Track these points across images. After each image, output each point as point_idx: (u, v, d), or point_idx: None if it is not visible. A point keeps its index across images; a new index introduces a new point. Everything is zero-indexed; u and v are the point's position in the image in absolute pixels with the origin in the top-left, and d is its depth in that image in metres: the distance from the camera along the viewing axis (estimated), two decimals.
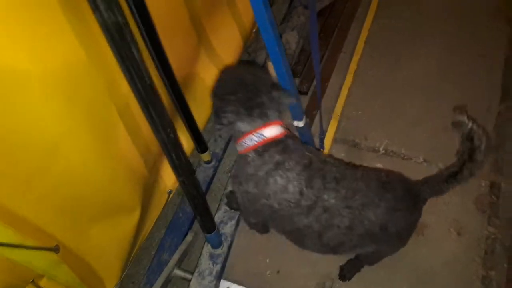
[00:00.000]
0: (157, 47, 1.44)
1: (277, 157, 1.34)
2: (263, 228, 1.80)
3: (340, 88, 2.49)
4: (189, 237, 1.97)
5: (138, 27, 1.33)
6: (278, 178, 1.32)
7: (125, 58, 0.92)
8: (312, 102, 2.45)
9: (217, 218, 1.90)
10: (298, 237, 1.49)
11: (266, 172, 1.34)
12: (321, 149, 2.23)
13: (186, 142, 2.02)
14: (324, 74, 2.55)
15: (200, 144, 2.04)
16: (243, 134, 1.37)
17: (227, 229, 1.85)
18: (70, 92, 1.17)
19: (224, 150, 2.26)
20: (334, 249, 1.46)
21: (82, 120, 1.27)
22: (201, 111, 2.05)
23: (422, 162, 2.21)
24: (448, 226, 2.01)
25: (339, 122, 2.38)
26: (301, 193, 1.32)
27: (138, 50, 0.94)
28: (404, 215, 1.41)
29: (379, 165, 2.22)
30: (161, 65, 1.50)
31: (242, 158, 1.41)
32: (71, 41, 1.13)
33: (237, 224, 1.90)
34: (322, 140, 2.19)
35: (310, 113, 2.42)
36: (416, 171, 2.16)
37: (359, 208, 1.32)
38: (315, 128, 2.33)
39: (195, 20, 1.89)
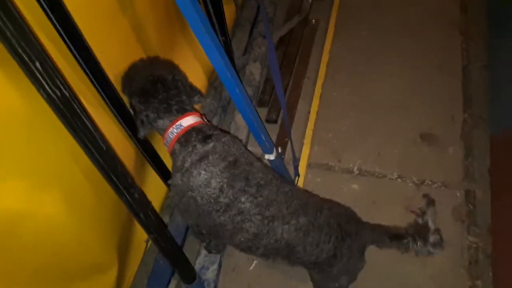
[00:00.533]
0: (119, 106, 1.41)
1: (200, 148, 1.35)
2: (201, 234, 1.78)
3: (308, 113, 2.50)
4: (172, 285, 1.91)
5: (95, 87, 1.30)
6: (202, 172, 1.33)
7: (77, 130, 0.89)
8: (282, 130, 2.45)
9: (197, 264, 1.85)
10: (216, 234, 1.47)
11: (191, 164, 1.34)
12: (297, 177, 2.23)
13: (158, 186, 1.99)
14: (290, 101, 2.56)
15: None
16: (165, 130, 1.40)
17: (209, 274, 1.81)
18: (31, 158, 1.13)
19: None
20: (247, 251, 1.46)
21: (46, 186, 1.22)
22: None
23: (396, 178, 2.23)
24: None
25: (311, 147, 2.39)
26: (221, 190, 1.32)
27: (89, 118, 0.92)
28: (322, 244, 1.37)
29: (355, 186, 2.23)
30: (122, 114, 1.47)
31: (171, 154, 1.42)
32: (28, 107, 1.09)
33: (219, 268, 1.85)
34: (296, 168, 2.19)
35: (281, 141, 2.42)
36: (392, 188, 2.20)
37: (268, 219, 1.32)
38: (288, 156, 2.34)
39: None
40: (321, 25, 2.86)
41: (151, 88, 1.37)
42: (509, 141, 2.11)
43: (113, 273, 1.65)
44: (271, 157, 1.87)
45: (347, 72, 2.66)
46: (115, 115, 1.44)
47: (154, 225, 1.22)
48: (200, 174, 1.32)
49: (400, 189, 2.19)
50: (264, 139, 1.78)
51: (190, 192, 1.35)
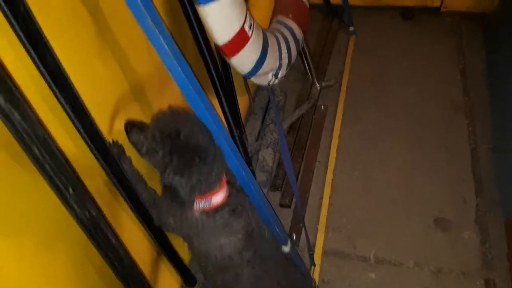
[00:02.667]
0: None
1: (227, 218, 1.41)
2: None
3: (321, 198, 2.53)
4: None
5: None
6: (221, 238, 1.42)
7: (102, 246, 0.94)
8: (296, 214, 2.47)
9: None
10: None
11: (212, 227, 1.41)
12: (312, 266, 2.20)
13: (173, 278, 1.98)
14: (303, 185, 2.61)
15: (188, 277, 1.99)
16: (196, 197, 1.37)
17: None
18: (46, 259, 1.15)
19: None
20: None
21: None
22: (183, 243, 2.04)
23: (413, 266, 2.19)
24: None
25: (326, 233, 2.38)
26: (230, 256, 1.43)
27: (114, 233, 0.97)
28: None
29: (372, 275, 2.19)
30: (137, 207, 1.51)
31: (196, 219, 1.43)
32: None
33: None
34: (311, 256, 2.17)
35: (295, 226, 2.43)
36: (409, 277, 2.16)
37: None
38: (302, 242, 2.33)
39: None
40: (329, 110, 2.98)
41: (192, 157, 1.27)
42: None
43: None
44: (286, 249, 1.87)
45: (356, 156, 2.73)
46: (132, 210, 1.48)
47: None
48: (218, 239, 1.43)
49: (418, 279, 2.14)
50: (278, 231, 1.80)
51: (203, 246, 1.46)
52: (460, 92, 3.01)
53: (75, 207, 0.85)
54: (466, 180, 2.51)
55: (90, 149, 1.13)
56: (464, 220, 2.34)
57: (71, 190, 0.83)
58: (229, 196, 1.46)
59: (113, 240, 0.96)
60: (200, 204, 1.38)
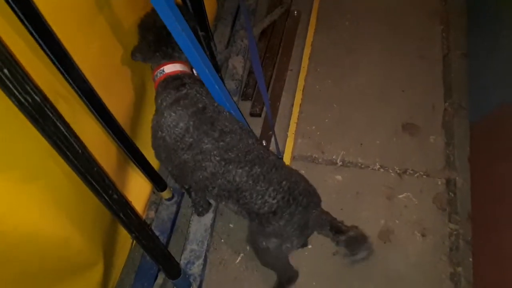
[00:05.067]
0: (97, 103, 1.41)
1: (173, 94, 1.52)
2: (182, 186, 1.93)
3: (292, 106, 2.52)
4: (159, 280, 1.92)
5: (74, 89, 1.30)
6: (172, 114, 1.50)
7: (51, 135, 0.89)
8: (266, 123, 2.46)
9: (183, 259, 1.87)
10: (179, 172, 1.64)
11: (164, 106, 1.52)
12: None
13: (143, 182, 2.00)
14: (274, 94, 2.57)
15: (158, 183, 2.01)
16: (153, 71, 1.63)
17: (194, 269, 1.83)
18: (11, 158, 1.12)
19: None
20: (204, 191, 1.61)
21: (27, 186, 1.22)
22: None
23: (379, 168, 2.26)
24: (412, 229, 2.06)
25: (295, 140, 2.40)
26: (187, 130, 1.48)
27: (63, 122, 0.92)
28: (267, 197, 1.45)
29: (339, 177, 2.25)
30: (102, 114, 1.47)
31: (155, 96, 1.61)
32: None
33: (204, 263, 1.87)
34: None
35: (265, 134, 2.43)
36: (375, 178, 2.24)
37: (226, 161, 1.45)
38: (272, 149, 2.35)
39: None
40: (303, 16, 2.86)
41: (146, 32, 1.59)
42: (487, 128, 2.15)
43: (99, 269, 1.66)
44: None
45: (329, 64, 2.67)
46: (95, 116, 1.43)
47: (135, 224, 1.23)
48: (170, 115, 1.49)
49: (383, 179, 2.22)
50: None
51: (160, 132, 1.53)
52: None
53: (14, 90, 0.79)
54: (436, 87, 2.52)
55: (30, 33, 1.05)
56: (431, 125, 2.39)
57: (6, 71, 0.76)
58: (183, 76, 1.57)
59: (64, 130, 0.91)
60: (157, 75, 1.59)
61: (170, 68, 1.58)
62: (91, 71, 1.40)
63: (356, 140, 2.37)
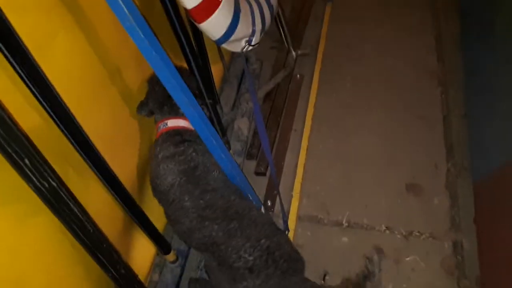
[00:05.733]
0: (104, 168, 1.45)
1: (171, 148, 1.59)
2: None
3: (296, 165, 2.55)
4: None
5: (82, 156, 1.34)
6: (165, 167, 1.58)
7: (64, 216, 0.92)
8: (271, 182, 2.49)
9: None
10: (167, 216, 1.68)
11: (161, 158, 1.60)
12: (287, 232, 2.24)
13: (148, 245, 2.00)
14: (278, 153, 2.62)
15: (163, 246, 2.01)
16: (156, 123, 1.71)
17: None
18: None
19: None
20: (184, 241, 1.72)
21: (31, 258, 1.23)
22: (158, 213, 2.04)
23: (384, 230, 2.25)
24: None
25: (300, 200, 2.42)
26: (172, 186, 1.55)
27: (76, 202, 0.95)
28: (243, 253, 1.46)
29: (345, 239, 2.24)
30: (108, 179, 1.50)
31: (154, 143, 1.69)
32: None
33: None
34: (285, 223, 2.21)
35: (270, 193, 2.45)
36: (381, 240, 2.22)
37: (203, 217, 1.51)
38: (277, 209, 2.36)
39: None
40: (305, 79, 2.97)
41: (155, 86, 1.70)
42: (490, 188, 2.16)
43: None
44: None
45: (332, 124, 2.74)
46: (102, 181, 1.46)
47: None
48: (163, 168, 1.58)
49: (389, 241, 2.21)
50: (251, 197, 1.82)
51: (155, 179, 1.63)
52: (434, 59, 3.03)
53: (33, 177, 0.83)
54: (438, 147, 2.56)
55: (51, 116, 1.10)
56: (435, 185, 2.40)
57: (27, 161, 0.81)
58: (184, 132, 1.66)
59: (77, 211, 0.95)
60: (160, 127, 1.68)
61: (173, 122, 1.67)
62: (100, 137, 1.45)
63: (361, 200, 2.38)
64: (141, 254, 2.05)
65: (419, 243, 2.19)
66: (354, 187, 2.44)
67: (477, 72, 2.70)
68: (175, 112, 1.69)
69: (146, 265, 2.12)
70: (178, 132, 1.66)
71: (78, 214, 0.94)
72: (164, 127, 1.67)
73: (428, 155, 2.52)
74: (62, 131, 1.20)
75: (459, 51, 2.99)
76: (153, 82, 1.74)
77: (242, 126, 2.58)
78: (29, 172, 0.82)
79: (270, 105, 2.81)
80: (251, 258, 1.45)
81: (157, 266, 2.19)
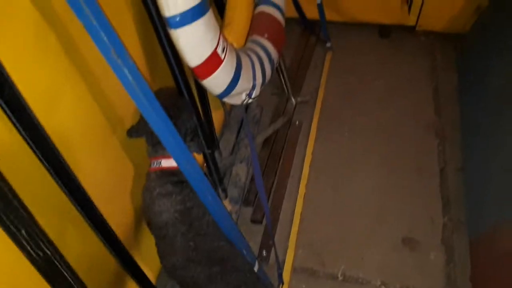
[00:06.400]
0: (98, 218, 1.45)
1: (169, 187, 1.60)
2: None
3: (293, 213, 2.55)
4: None
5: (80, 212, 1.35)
6: (162, 204, 1.59)
7: (57, 284, 0.92)
8: (267, 231, 2.48)
9: None
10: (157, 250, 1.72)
11: (157, 194, 1.60)
12: (281, 284, 2.22)
13: None
14: (275, 200, 2.63)
15: None
16: (150, 158, 1.68)
17: None
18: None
19: None
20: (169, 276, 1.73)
21: None
22: (152, 261, 2.03)
23: (380, 285, 2.23)
24: None
25: (296, 250, 2.40)
26: (166, 224, 1.58)
27: (73, 273, 0.95)
28: None
29: None
30: (101, 229, 1.50)
31: (149, 173, 1.68)
32: None
33: None
34: (280, 276, 2.19)
35: (266, 243, 2.44)
36: None
37: (189, 259, 1.58)
38: (272, 259, 2.34)
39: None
40: (304, 126, 3.01)
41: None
42: (486, 246, 2.16)
43: None
44: (254, 269, 1.88)
45: (329, 172, 2.76)
46: (95, 231, 1.46)
47: None
48: (159, 205, 1.59)
49: None
50: (245, 252, 1.81)
51: (148, 212, 1.65)
52: (432, 111, 3.07)
53: (28, 248, 0.84)
54: (434, 200, 2.57)
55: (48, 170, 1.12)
56: (431, 240, 2.39)
57: (24, 232, 0.82)
58: (179, 172, 1.60)
59: (69, 278, 0.95)
60: (153, 164, 1.66)
61: (168, 163, 1.63)
62: (96, 186, 1.47)
63: (357, 253, 2.36)
64: None
65: None
66: (350, 238, 2.43)
67: (474, 126, 2.74)
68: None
69: None
70: (173, 173, 1.64)
71: (71, 281, 0.95)
72: (158, 165, 1.65)
73: (424, 208, 2.53)
74: (60, 186, 1.22)
75: (456, 104, 3.05)
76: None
77: (240, 172, 2.60)
78: (25, 243, 0.83)
79: (268, 151, 2.84)
80: None
81: None
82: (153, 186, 1.63)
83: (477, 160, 2.55)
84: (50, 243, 0.89)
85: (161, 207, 1.59)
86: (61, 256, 0.92)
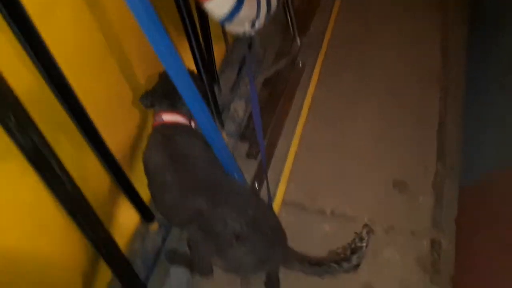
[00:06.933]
0: (94, 134, 1.50)
1: (160, 138, 1.73)
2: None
3: (288, 151, 2.59)
4: None
5: (74, 121, 1.39)
6: (153, 150, 1.72)
7: (47, 175, 0.97)
8: (261, 166, 2.54)
9: None
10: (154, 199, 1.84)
11: (152, 143, 1.75)
12: None
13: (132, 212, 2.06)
14: (272, 138, 2.66)
15: (146, 215, 2.07)
16: (155, 114, 1.82)
17: None
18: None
19: None
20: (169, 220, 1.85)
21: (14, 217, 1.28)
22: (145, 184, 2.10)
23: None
24: (392, 286, 2.08)
25: (288, 185, 2.47)
26: (156, 166, 1.69)
27: (59, 164, 1.00)
28: (230, 220, 1.54)
29: (326, 227, 2.30)
30: (97, 144, 1.56)
31: (152, 130, 1.82)
32: None
33: None
34: (270, 206, 2.26)
35: (259, 176, 2.50)
36: None
37: (184, 190, 1.62)
38: (264, 192, 2.41)
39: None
40: (307, 68, 2.98)
41: (164, 81, 1.80)
42: (475, 193, 2.20)
43: None
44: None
45: (328, 116, 2.77)
46: (90, 145, 1.52)
47: (119, 264, 1.29)
48: (150, 151, 1.73)
49: None
50: (236, 176, 1.86)
51: (145, 162, 1.77)
52: (439, 64, 3.02)
53: (17, 134, 0.88)
54: (430, 149, 2.59)
55: (45, 78, 1.15)
56: (422, 184, 2.43)
57: (12, 118, 0.86)
58: (177, 126, 1.78)
59: (57, 169, 1.00)
60: (156, 119, 1.81)
61: (169, 117, 1.79)
62: (94, 104, 1.50)
63: (347, 192, 2.42)
64: (124, 220, 2.12)
65: (399, 238, 2.23)
66: (342, 178, 2.48)
67: (480, 80, 2.70)
68: (172, 107, 1.80)
69: (128, 233, 2.18)
70: (171, 126, 1.78)
71: (60, 174, 0.99)
72: (160, 120, 1.79)
73: (419, 155, 2.55)
74: (56, 94, 1.25)
75: (464, 59, 2.99)
76: (163, 77, 1.86)
77: (238, 108, 2.62)
78: (14, 129, 0.87)
79: (269, 90, 2.84)
80: (237, 225, 1.51)
81: (139, 234, 2.25)
82: (150, 138, 1.78)
83: (477, 114, 2.53)
84: (39, 134, 0.93)
85: (152, 153, 1.73)
86: (50, 149, 0.97)
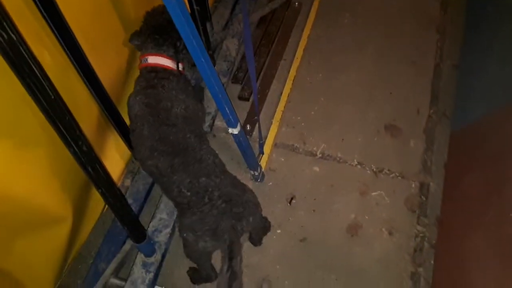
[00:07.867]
0: (81, 60, 1.43)
1: (143, 84, 1.69)
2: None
3: (281, 94, 2.54)
4: (127, 246, 1.95)
5: (56, 36, 1.31)
6: (136, 98, 1.67)
7: (25, 76, 0.91)
8: (253, 108, 2.49)
9: (151, 226, 1.90)
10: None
11: (136, 90, 1.71)
12: (261, 154, 2.28)
13: (124, 149, 2.03)
14: (265, 80, 2.60)
15: None
16: (140, 56, 1.77)
17: (161, 237, 1.86)
18: None
19: None
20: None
21: None
22: None
23: (356, 165, 2.30)
24: (380, 226, 2.11)
25: (279, 127, 2.43)
26: (136, 116, 1.66)
27: (39, 66, 0.94)
28: (182, 187, 1.52)
29: (316, 169, 2.29)
30: (87, 74, 1.49)
31: (140, 72, 1.77)
32: None
33: (172, 232, 1.91)
34: (261, 146, 2.24)
35: (250, 119, 2.46)
36: (351, 174, 2.28)
37: (154, 148, 1.58)
38: (256, 134, 2.38)
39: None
40: (303, 8, 2.88)
41: (151, 20, 1.75)
42: (466, 138, 2.19)
43: (65, 227, 1.69)
44: (235, 131, 1.90)
45: (322, 58, 2.70)
46: (80, 74, 1.45)
47: (102, 180, 1.26)
48: (133, 99, 1.68)
49: (358, 175, 2.26)
50: (228, 112, 1.81)
51: (128, 108, 1.73)
52: (438, 7, 2.93)
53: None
54: (423, 94, 2.55)
55: None
56: (413, 129, 2.42)
57: None
58: (161, 70, 1.72)
59: (38, 73, 0.93)
60: (141, 61, 1.75)
61: (153, 59, 1.73)
62: (82, 30, 1.42)
63: (339, 135, 2.40)
64: (115, 157, 2.09)
65: (388, 180, 2.24)
66: (334, 121, 2.45)
67: (476, 26, 2.64)
68: (157, 49, 1.73)
69: (119, 170, 2.16)
70: (154, 69, 1.72)
71: (39, 76, 0.94)
72: (145, 62, 1.73)
73: (412, 100, 2.52)
74: (41, 12, 1.17)
75: (464, 2, 2.90)
76: (150, 15, 1.78)
77: (231, 47, 2.53)
78: None
79: (263, 30, 2.74)
80: (188, 193, 1.50)
81: (130, 172, 2.24)
82: (135, 84, 1.73)
83: (474, 60, 2.48)
84: (14, 26, 0.86)
85: (134, 101, 1.67)
86: (27, 46, 0.90)
